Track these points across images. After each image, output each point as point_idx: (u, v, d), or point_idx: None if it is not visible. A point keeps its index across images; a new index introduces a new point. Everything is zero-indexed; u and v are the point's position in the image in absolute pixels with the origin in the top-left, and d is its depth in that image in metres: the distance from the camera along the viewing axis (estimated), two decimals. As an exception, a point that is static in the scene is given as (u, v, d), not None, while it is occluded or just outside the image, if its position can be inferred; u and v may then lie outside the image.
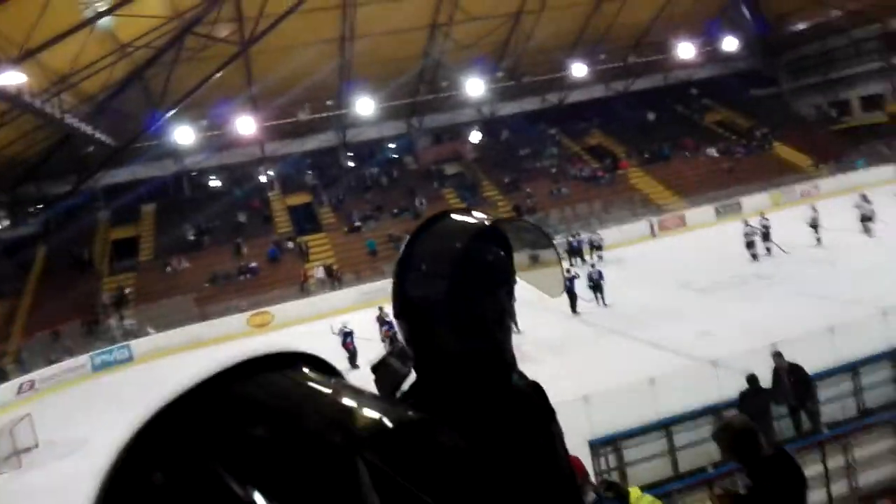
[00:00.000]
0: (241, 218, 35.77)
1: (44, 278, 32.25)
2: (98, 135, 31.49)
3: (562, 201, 35.32)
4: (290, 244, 33.64)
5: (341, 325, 19.25)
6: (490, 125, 42.80)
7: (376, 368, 1.35)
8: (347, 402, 0.61)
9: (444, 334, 1.27)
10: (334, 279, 30.74)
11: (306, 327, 26.05)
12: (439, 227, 1.34)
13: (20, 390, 23.13)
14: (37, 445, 16.98)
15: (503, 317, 1.34)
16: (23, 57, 20.81)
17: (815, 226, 23.41)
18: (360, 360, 18.59)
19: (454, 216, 1.37)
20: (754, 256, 22.76)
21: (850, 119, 40.18)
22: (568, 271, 21.07)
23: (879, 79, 38.77)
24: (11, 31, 20.16)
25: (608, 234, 29.72)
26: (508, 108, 42.04)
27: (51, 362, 24.78)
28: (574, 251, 27.75)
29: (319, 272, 29.96)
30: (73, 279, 31.62)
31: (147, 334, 27.21)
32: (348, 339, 18.95)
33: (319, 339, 22.57)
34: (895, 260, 18.27)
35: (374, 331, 19.51)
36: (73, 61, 24.88)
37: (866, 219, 22.90)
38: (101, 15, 23.31)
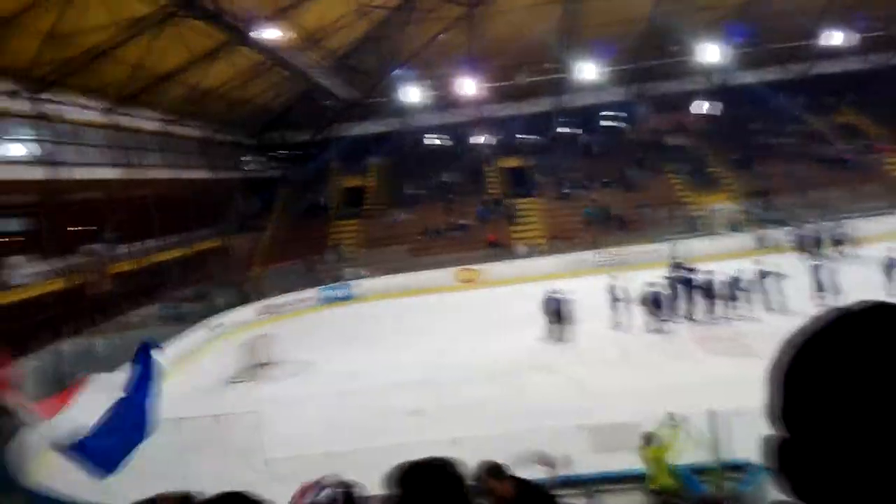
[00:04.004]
0: (456, 177, 37.12)
1: (282, 217, 36.34)
2: (336, 90, 34.28)
3: (800, 185, 31.72)
4: (499, 206, 34.27)
5: (553, 290, 19.17)
6: (721, 95, 39.57)
7: None
8: None
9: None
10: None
11: (510, 288, 26.53)
12: None
13: (259, 313, 26.43)
14: (272, 362, 19.35)
15: None
16: (278, 14, 23.15)
17: None
18: (569, 328, 18.63)
19: None
20: None
21: None
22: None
23: None
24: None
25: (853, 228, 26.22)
26: (744, 78, 38.43)
27: (284, 292, 27.92)
28: (807, 243, 25.01)
29: (522, 250, 30.22)
30: (307, 220, 35.29)
31: (366, 277, 29.52)
32: (559, 305, 18.82)
33: (523, 301, 23.05)
34: None
35: (586, 298, 19.21)
36: (320, 19, 27.19)
37: None
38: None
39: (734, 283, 18.56)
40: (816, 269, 18.77)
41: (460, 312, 23.72)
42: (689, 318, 18.90)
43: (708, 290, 18.79)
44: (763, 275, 18.63)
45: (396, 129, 41.13)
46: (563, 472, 7.16)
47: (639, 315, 18.76)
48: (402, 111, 39.28)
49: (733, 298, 18.56)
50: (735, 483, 9.01)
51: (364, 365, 18.12)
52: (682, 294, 19.15)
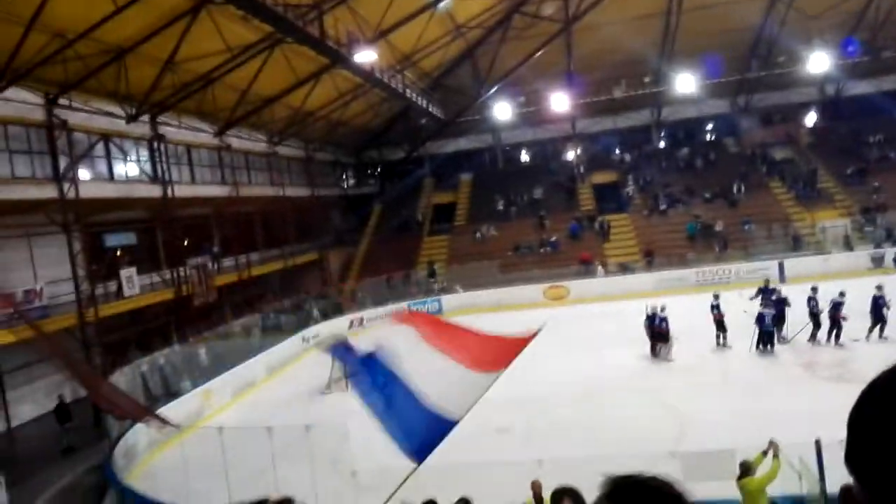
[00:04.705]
0: (548, 192, 36.81)
1: (376, 232, 37.26)
2: (431, 108, 34.94)
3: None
4: (592, 222, 33.65)
5: (654, 308, 18.56)
6: (833, 106, 37.34)
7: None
8: None
9: None
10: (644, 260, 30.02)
11: (599, 307, 25.96)
12: None
13: (351, 325, 27.10)
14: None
15: None
16: (376, 37, 23.89)
17: None
18: (668, 347, 18.10)
19: None
20: None
21: None
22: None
23: None
24: (368, 13, 23.23)
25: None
26: (859, 88, 36.17)
27: (377, 304, 28.53)
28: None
29: (600, 272, 29.35)
30: (400, 235, 36.01)
31: (455, 292, 29.70)
32: (660, 324, 18.22)
33: (614, 319, 22.47)
34: None
35: (686, 317, 18.53)
36: (416, 41, 27.85)
37: None
38: (443, -2, 25.49)
39: (838, 306, 17.25)
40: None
41: (549, 330, 23.36)
42: (786, 340, 17.80)
43: (814, 314, 17.60)
44: (878, 300, 17.21)
45: (488, 145, 41.41)
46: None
47: (744, 336, 17.87)
48: (494, 128, 39.51)
49: (838, 322, 17.24)
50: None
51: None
52: (787, 316, 18.05)
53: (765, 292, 18.59)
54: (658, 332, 18.07)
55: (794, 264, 26.67)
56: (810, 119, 38.42)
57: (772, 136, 37.43)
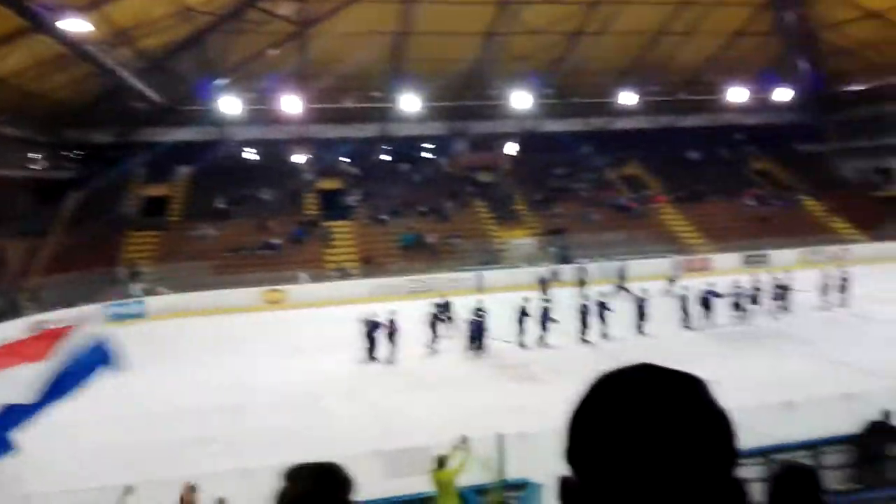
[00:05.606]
0: (273, 194, 36.09)
1: (73, 223, 32.80)
2: (149, 92, 31.98)
3: (590, 227, 35.12)
4: (315, 227, 33.86)
5: (369, 315, 19.19)
6: (530, 140, 42.73)
7: None
8: None
9: None
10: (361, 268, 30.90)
11: (318, 311, 26.23)
12: None
13: (31, 329, 23.49)
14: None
15: None
16: (88, 5, 21.24)
17: (843, 288, 23.08)
18: (382, 352, 18.89)
19: None
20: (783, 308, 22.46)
21: (893, 188, 39.51)
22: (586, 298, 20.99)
23: (928, 152, 38.24)
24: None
25: (633, 267, 29.46)
26: (551, 126, 41.97)
27: (67, 306, 25.15)
28: (587, 279, 27.63)
29: (304, 278, 29.73)
30: (101, 228, 32.14)
31: (162, 293, 27.53)
32: (375, 329, 18.92)
33: (332, 324, 22.85)
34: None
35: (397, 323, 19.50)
36: (138, 17, 25.36)
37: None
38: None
39: (523, 313, 19.87)
40: (598, 303, 20.62)
41: (265, 335, 22.94)
42: (478, 346, 19.79)
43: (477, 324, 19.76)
44: (544, 309, 20.12)
45: (212, 139, 39.14)
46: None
47: (455, 341, 19.57)
48: (219, 121, 37.52)
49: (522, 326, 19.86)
50: (515, 501, 9.62)
51: (151, 389, 16.81)
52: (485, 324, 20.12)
53: (441, 306, 20.48)
54: (373, 336, 18.87)
55: (490, 276, 30.01)
56: (511, 148, 43.47)
57: (479, 160, 41.59)
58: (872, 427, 10.16)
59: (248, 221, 33.67)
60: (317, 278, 29.91)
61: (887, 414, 10.21)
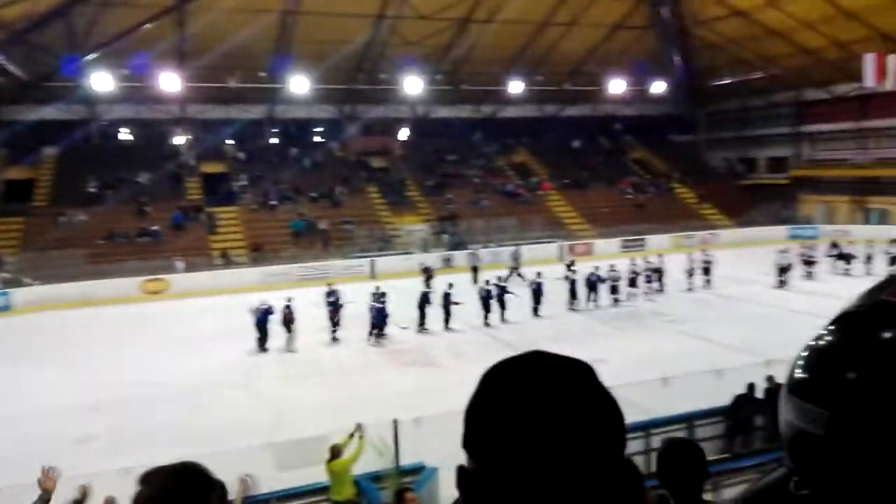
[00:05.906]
0: (150, 178, 34.03)
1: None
2: (9, 66, 29.21)
3: (481, 213, 35.77)
4: (198, 213, 32.35)
5: (259, 303, 18.58)
6: (422, 126, 42.84)
7: None
8: None
9: None
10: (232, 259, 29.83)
11: (204, 300, 25.17)
12: None
13: None
14: None
15: None
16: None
17: (707, 271, 24.90)
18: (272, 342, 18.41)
19: None
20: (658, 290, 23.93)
21: (756, 177, 43.02)
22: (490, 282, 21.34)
23: (787, 143, 41.94)
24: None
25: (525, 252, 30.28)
26: (442, 112, 42.31)
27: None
28: (482, 264, 28.13)
29: (179, 265, 28.39)
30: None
31: (27, 284, 25.43)
32: (264, 317, 18.38)
33: (220, 314, 22.01)
34: (788, 311, 19.73)
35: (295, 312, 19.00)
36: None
37: (784, 271, 24.65)
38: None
39: (448, 296, 20.03)
40: (498, 287, 21.06)
41: (145, 327, 21.73)
42: (380, 333, 19.77)
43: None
44: (446, 294, 20.39)
45: (81, 118, 36.33)
46: (249, 493, 6.94)
47: (351, 329, 19.33)
48: (88, 99, 34.89)
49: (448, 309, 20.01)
50: (412, 485, 9.70)
51: (19, 386, 15.55)
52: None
53: (329, 294, 20.04)
54: (264, 326, 18.35)
55: (383, 262, 29.92)
56: (403, 134, 43.42)
57: (371, 145, 41.22)
58: (739, 399, 11.07)
59: (123, 207, 31.62)
60: (201, 266, 28.60)
61: (752, 387, 11.15)
